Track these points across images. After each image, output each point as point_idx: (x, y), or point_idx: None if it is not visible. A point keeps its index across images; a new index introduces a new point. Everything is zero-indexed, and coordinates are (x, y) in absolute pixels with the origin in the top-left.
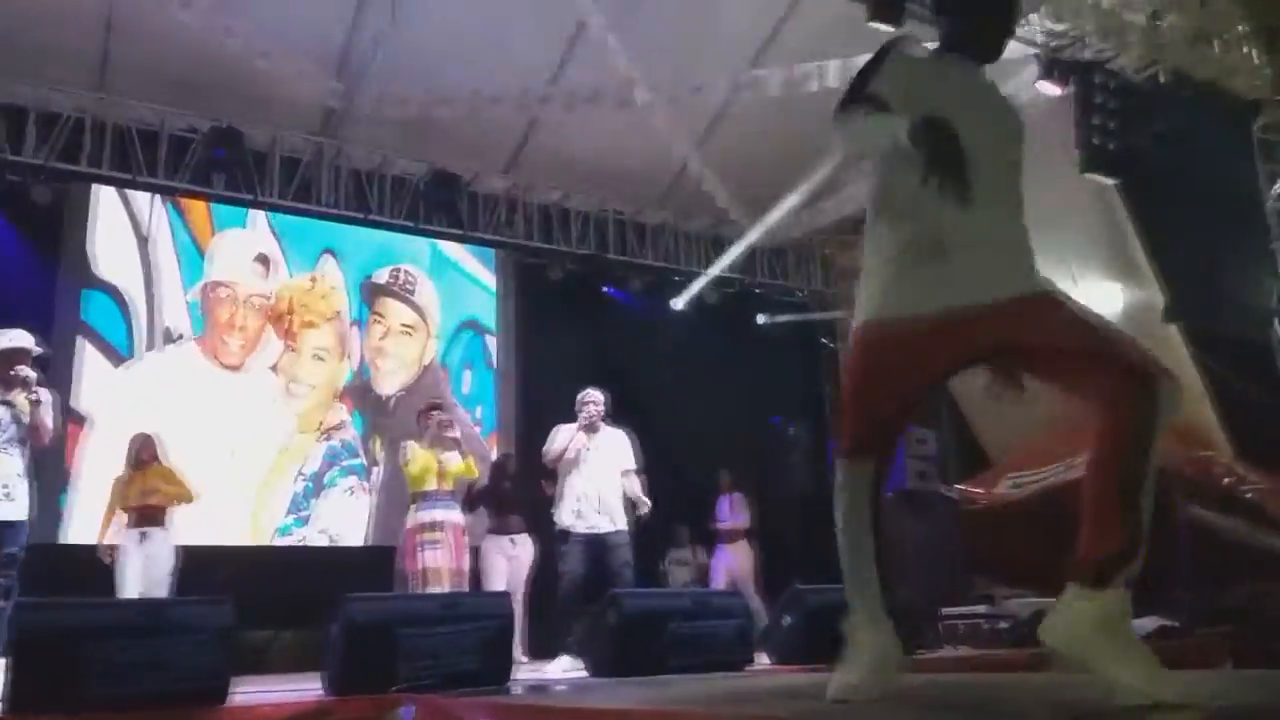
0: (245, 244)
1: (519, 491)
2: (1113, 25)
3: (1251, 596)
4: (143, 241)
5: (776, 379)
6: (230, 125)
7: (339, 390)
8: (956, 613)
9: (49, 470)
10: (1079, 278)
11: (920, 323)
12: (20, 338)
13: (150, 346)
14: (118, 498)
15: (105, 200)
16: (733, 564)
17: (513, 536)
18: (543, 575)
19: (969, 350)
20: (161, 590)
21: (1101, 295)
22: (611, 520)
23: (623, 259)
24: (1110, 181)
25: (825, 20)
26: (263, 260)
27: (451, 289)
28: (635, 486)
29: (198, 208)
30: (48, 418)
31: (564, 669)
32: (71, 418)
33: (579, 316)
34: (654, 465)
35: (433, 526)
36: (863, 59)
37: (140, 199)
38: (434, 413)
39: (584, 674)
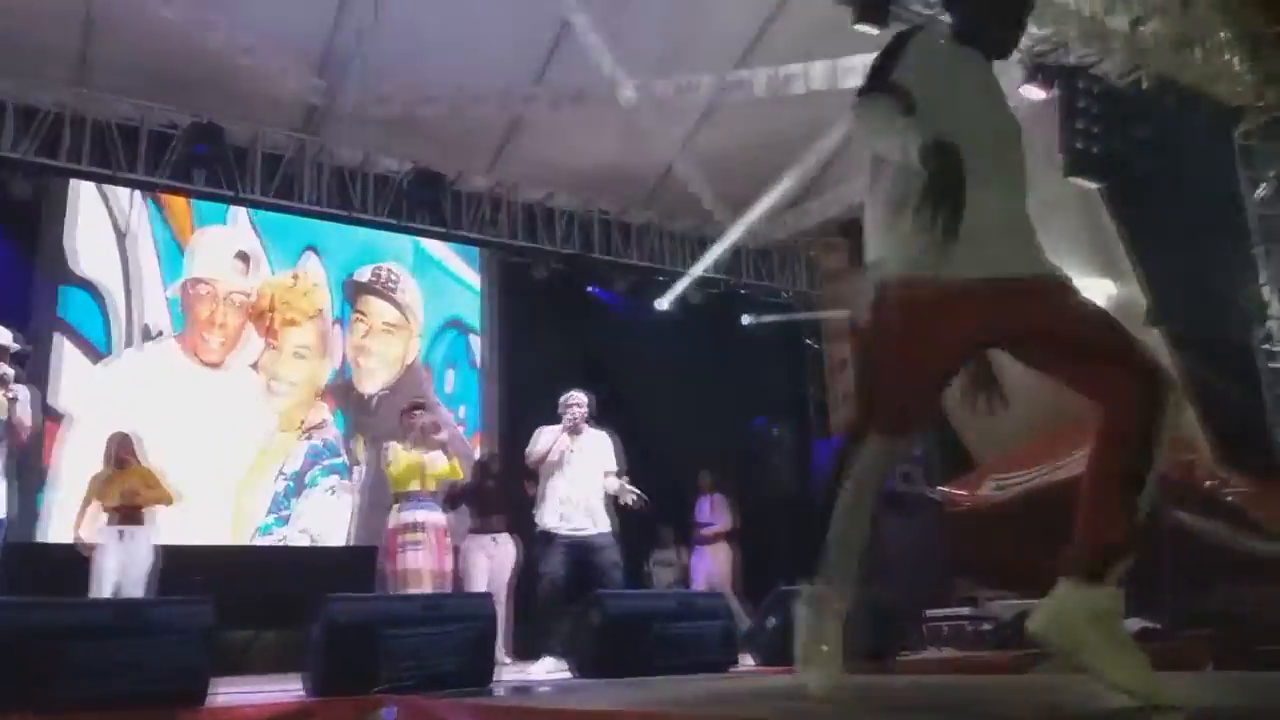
0: (226, 241)
1: (501, 491)
2: (1095, 31)
3: (1232, 599)
4: (122, 237)
5: (761, 380)
6: (211, 121)
7: (320, 389)
8: (940, 614)
9: (27, 468)
10: None
11: (953, 285)
12: None
13: (129, 344)
14: (95, 494)
15: (84, 196)
16: (710, 566)
17: (494, 536)
18: (526, 576)
19: (994, 323)
20: (140, 589)
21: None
22: (595, 522)
23: (607, 259)
24: (1094, 185)
25: (811, 21)
26: (243, 257)
27: (435, 288)
28: (616, 486)
29: (178, 204)
30: (26, 415)
31: (547, 670)
32: (49, 415)
33: (563, 316)
34: (638, 466)
35: (414, 527)
36: (849, 60)
37: (120, 195)
38: (417, 413)
39: (568, 675)
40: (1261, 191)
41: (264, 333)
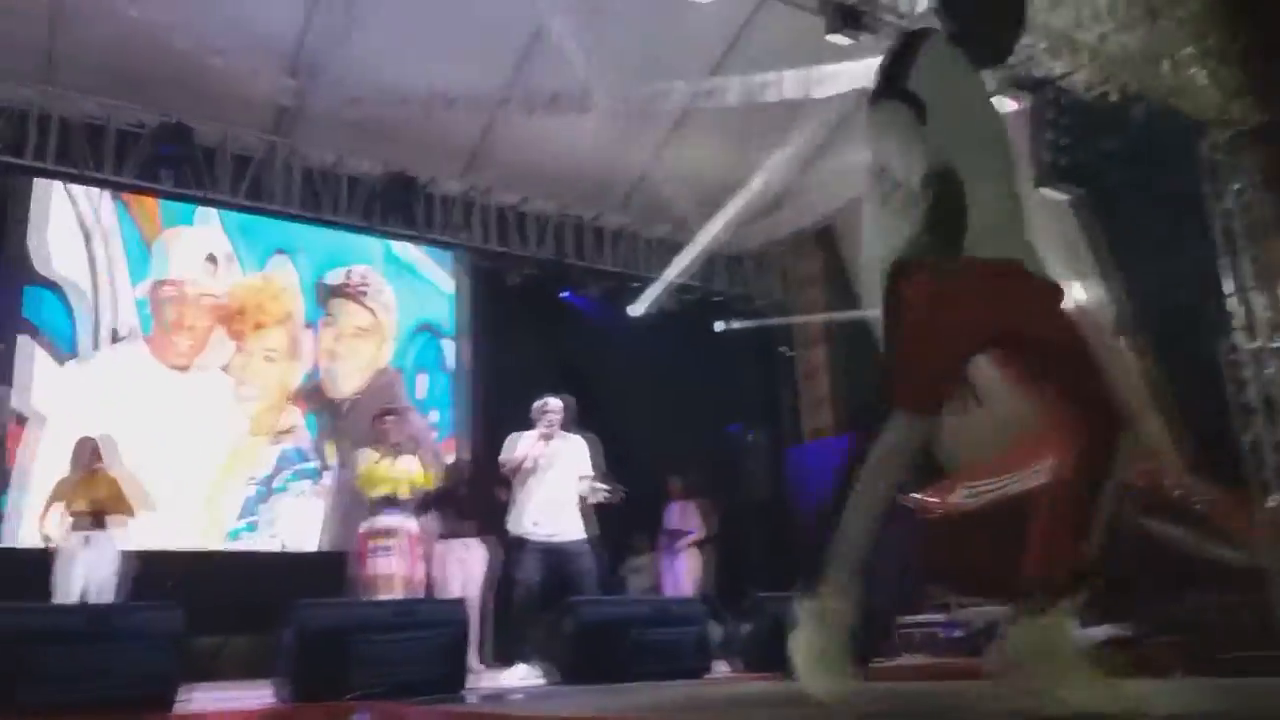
0: (195, 242)
1: (473, 497)
2: (1065, 44)
3: (1200, 607)
4: (89, 237)
5: (735, 386)
6: (180, 121)
7: (291, 393)
8: (913, 621)
9: None
10: None
11: (974, 264)
12: None
13: (97, 345)
14: (60, 497)
15: (49, 195)
16: (678, 572)
17: (465, 541)
18: (501, 583)
19: (1002, 313)
20: (106, 594)
21: None
22: (571, 529)
23: (582, 264)
24: (1064, 196)
25: (784, 31)
26: (213, 259)
27: (407, 291)
28: (586, 488)
29: (146, 204)
30: None
31: (520, 677)
32: (13, 417)
33: (538, 321)
34: (612, 471)
35: (386, 533)
36: (819, 70)
37: (86, 194)
38: (388, 419)
39: (541, 682)
40: (1226, 204)
41: (233, 336)
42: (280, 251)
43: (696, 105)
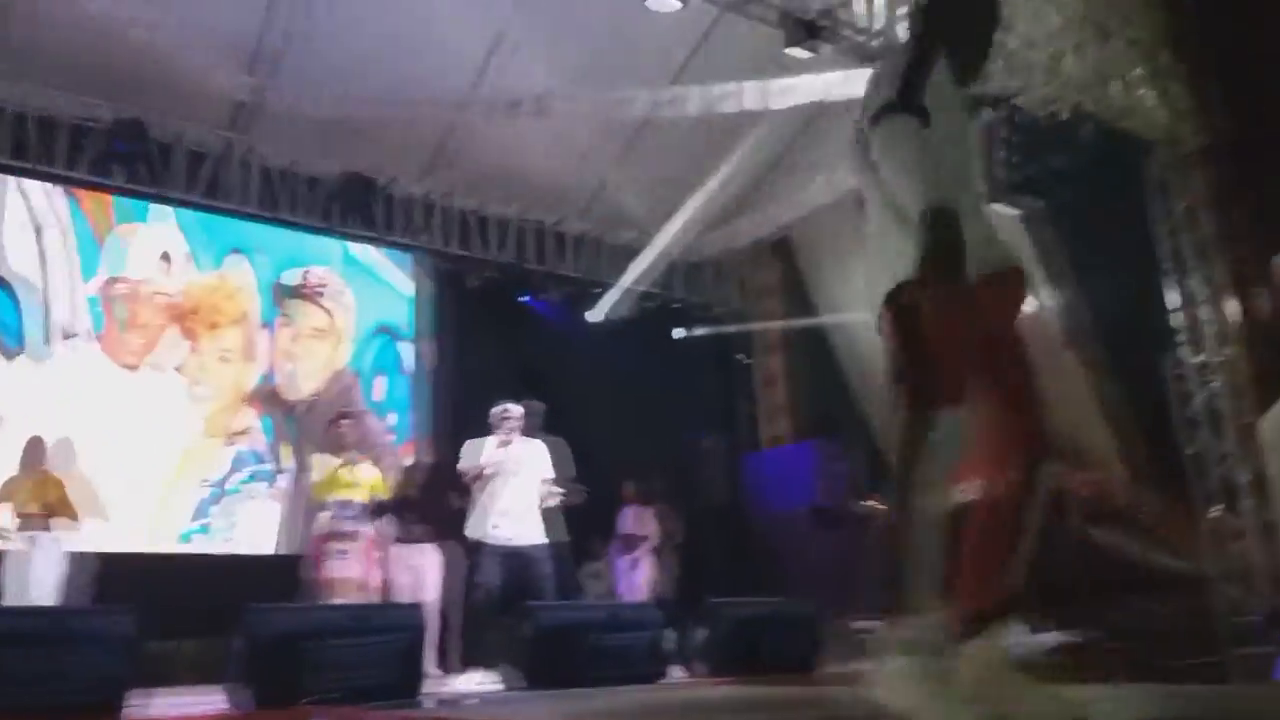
0: (148, 239)
1: (427, 500)
2: (1017, 64)
3: (1145, 613)
4: (39, 231)
5: (693, 393)
6: (135, 116)
7: (246, 394)
8: (866, 627)
9: None
10: None
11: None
12: None
13: (46, 342)
14: (6, 496)
15: (1, 189)
16: (632, 577)
17: (421, 546)
18: (458, 587)
19: (996, 316)
20: (52, 597)
21: None
22: (531, 533)
23: (542, 269)
24: (1014, 212)
25: (744, 43)
26: (167, 257)
27: (365, 293)
28: (544, 493)
29: (99, 199)
30: None
31: (476, 682)
32: None
33: (498, 324)
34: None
35: (341, 536)
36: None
37: (36, 188)
38: (344, 423)
39: (498, 687)
40: (1173, 221)
41: (187, 335)
42: (237, 251)
43: (657, 114)
